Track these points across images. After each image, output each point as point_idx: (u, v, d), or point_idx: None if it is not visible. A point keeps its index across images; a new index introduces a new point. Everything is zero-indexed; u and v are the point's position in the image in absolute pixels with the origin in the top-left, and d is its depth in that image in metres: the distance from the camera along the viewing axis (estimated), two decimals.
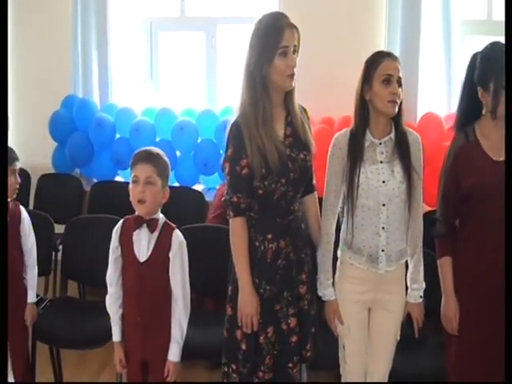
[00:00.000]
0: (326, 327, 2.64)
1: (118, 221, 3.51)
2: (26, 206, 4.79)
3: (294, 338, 2.48)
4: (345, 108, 4.41)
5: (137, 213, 2.56)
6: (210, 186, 4.84)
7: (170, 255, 2.52)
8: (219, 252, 3.28)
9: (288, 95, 2.44)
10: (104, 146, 4.80)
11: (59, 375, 3.55)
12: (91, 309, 3.42)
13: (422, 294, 2.59)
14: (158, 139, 4.74)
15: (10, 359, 3.10)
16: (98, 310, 3.30)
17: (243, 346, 2.44)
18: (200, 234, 3.36)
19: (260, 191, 2.37)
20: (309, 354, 2.55)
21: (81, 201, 4.74)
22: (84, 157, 4.82)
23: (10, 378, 3.15)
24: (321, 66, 4.25)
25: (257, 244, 2.43)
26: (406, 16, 4.39)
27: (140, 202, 2.48)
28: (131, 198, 2.53)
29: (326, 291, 2.56)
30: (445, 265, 2.57)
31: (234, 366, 2.48)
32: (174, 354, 2.54)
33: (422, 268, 2.60)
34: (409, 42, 4.38)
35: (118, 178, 4.97)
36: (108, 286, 2.62)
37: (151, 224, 2.53)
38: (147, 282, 2.52)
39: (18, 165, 3.04)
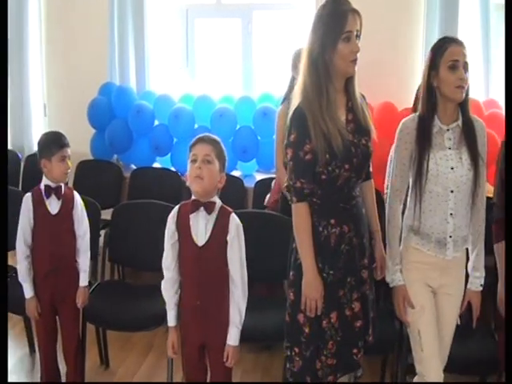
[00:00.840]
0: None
1: (165, 206, 3.56)
2: None
3: (358, 323, 2.49)
4: (383, 94, 4.49)
5: (193, 195, 2.55)
6: (247, 172, 4.87)
7: (228, 238, 2.53)
8: (266, 238, 3.35)
9: (349, 81, 2.44)
10: (143, 132, 4.84)
11: (105, 356, 3.62)
12: (140, 293, 3.49)
13: (482, 282, 2.58)
14: (196, 126, 4.76)
15: (61, 340, 3.17)
16: (148, 293, 3.39)
17: (306, 330, 2.45)
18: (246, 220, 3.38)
19: (323, 176, 2.38)
20: (370, 338, 2.56)
21: (120, 187, 4.78)
22: (123, 143, 4.86)
23: (61, 361, 3.22)
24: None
25: (320, 229, 2.43)
26: (443, 1, 4.39)
27: (197, 177, 2.48)
28: (188, 179, 2.52)
29: (394, 276, 2.57)
30: (502, 249, 2.58)
31: (296, 349, 2.49)
32: (233, 338, 2.55)
33: (483, 256, 2.59)
34: (447, 27, 4.37)
35: (156, 165, 5.01)
36: (164, 270, 2.62)
37: (208, 207, 2.53)
38: (206, 266, 2.54)
39: (69, 151, 3.08)
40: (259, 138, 4.65)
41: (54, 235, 3.05)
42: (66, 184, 3.17)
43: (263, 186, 4.25)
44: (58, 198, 3.05)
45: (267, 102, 4.72)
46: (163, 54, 5.30)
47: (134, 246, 3.61)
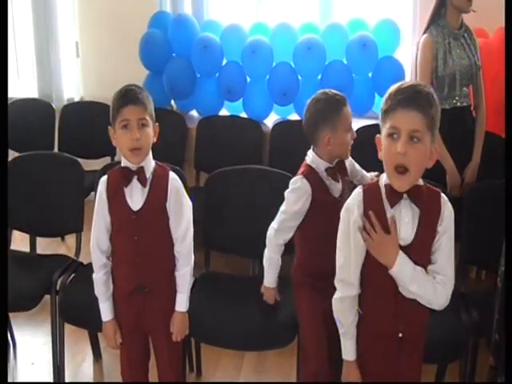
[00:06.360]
0: None
1: (278, 175, 2.71)
2: (114, 149, 4.02)
3: None
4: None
5: (390, 182, 1.74)
6: None
7: (440, 229, 1.78)
8: None
9: None
10: (210, 72, 3.94)
11: (197, 363, 2.85)
12: (250, 289, 2.56)
13: None
14: (274, 63, 3.85)
15: (156, 366, 2.30)
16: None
17: None
18: None
19: None
20: None
21: (184, 142, 3.88)
22: (186, 87, 3.93)
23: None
24: None
25: None
26: None
27: (400, 166, 1.69)
28: (385, 157, 1.72)
29: None
30: None
31: None
32: None
33: None
34: None
35: (223, 112, 4.13)
36: (340, 273, 1.85)
37: (415, 196, 1.76)
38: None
39: (141, 112, 2.05)
40: (353, 75, 3.76)
41: (136, 240, 2.13)
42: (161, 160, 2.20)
43: (366, 134, 3.38)
44: (143, 186, 2.13)
45: (360, 29, 3.82)
46: None
47: (230, 226, 2.77)
